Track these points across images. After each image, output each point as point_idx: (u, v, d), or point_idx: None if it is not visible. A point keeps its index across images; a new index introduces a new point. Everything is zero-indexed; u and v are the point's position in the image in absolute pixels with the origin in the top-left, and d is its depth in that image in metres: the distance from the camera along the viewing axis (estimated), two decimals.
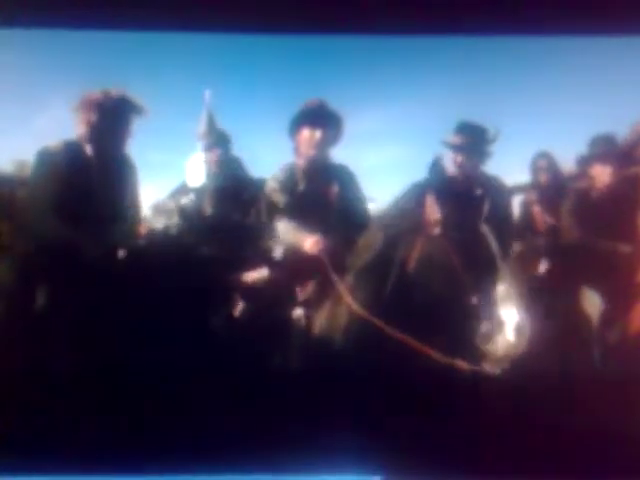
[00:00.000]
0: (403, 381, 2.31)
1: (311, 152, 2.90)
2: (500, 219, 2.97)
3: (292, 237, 2.79)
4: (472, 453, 2.34)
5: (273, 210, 2.89)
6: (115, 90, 2.80)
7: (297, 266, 2.71)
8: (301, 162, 2.94)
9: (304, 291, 2.68)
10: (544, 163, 3.30)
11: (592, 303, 2.82)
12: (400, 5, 2.58)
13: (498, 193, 3.00)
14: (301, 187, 2.90)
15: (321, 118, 2.86)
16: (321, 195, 2.91)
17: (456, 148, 2.94)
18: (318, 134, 2.86)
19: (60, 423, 2.33)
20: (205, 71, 3.32)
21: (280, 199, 2.88)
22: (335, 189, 2.92)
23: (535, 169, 3.34)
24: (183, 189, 3.40)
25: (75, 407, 2.35)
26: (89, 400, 2.37)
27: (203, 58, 3.21)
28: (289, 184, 2.90)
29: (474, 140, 2.92)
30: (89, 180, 2.79)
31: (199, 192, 3.29)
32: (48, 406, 2.36)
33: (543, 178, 3.31)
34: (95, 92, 2.79)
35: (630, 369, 2.60)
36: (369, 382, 2.33)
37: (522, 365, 2.40)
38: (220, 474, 2.34)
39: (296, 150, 2.95)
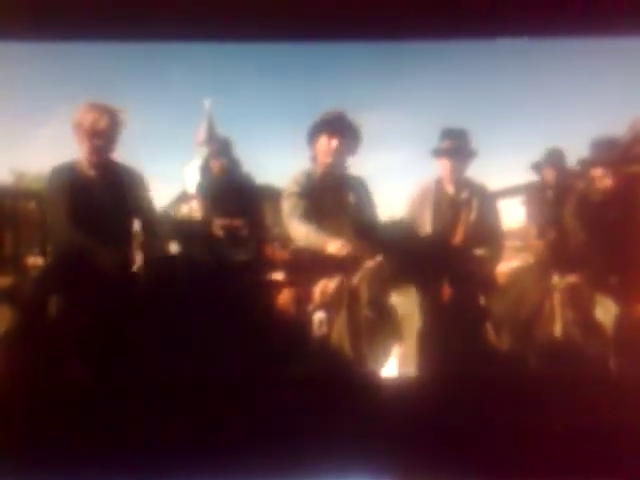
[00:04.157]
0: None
1: (328, 160, 2.91)
2: (488, 222, 3.05)
3: (316, 239, 2.79)
4: (476, 457, 2.34)
5: (293, 213, 2.89)
6: (98, 104, 2.81)
7: (319, 268, 2.73)
8: (318, 169, 2.95)
9: (325, 294, 2.68)
10: (552, 162, 3.32)
11: (606, 310, 2.83)
12: (399, 10, 2.60)
13: (485, 197, 3.07)
14: (317, 193, 2.92)
15: (339, 127, 2.88)
16: (336, 202, 2.92)
17: (444, 152, 3.02)
18: (335, 143, 2.87)
19: (73, 434, 2.32)
20: (204, 80, 3.34)
21: (299, 202, 2.89)
22: (350, 197, 2.94)
23: (542, 168, 3.35)
24: (184, 197, 3.41)
25: (90, 417, 2.34)
26: (104, 409, 2.36)
27: (203, 67, 3.23)
28: (307, 189, 2.91)
29: (459, 144, 3.01)
30: (93, 195, 2.81)
31: (202, 199, 3.30)
32: (63, 416, 2.35)
33: (549, 177, 3.32)
34: (80, 109, 2.80)
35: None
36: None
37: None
38: (227, 476, 2.33)
39: (314, 158, 2.97)
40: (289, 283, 2.77)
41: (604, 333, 2.73)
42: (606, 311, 2.77)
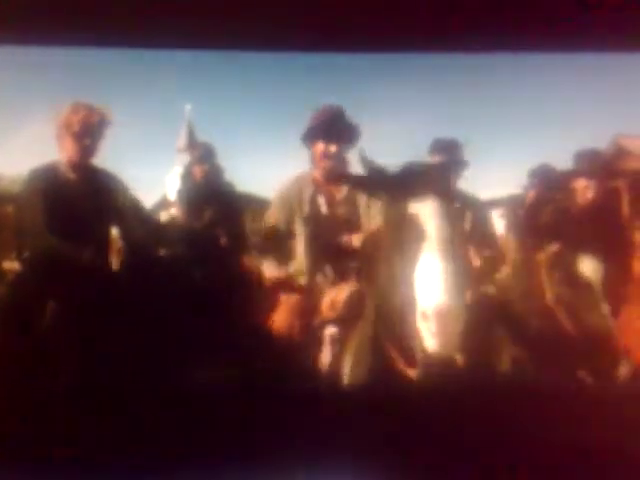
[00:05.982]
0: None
1: (327, 164, 2.85)
2: (482, 232, 3.05)
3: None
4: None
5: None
6: (86, 104, 2.80)
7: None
8: (317, 173, 2.91)
9: (336, 306, 2.45)
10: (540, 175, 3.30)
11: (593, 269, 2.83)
12: (390, 22, 2.59)
13: (477, 207, 3.08)
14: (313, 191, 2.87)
15: (336, 132, 2.82)
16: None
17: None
18: (333, 148, 2.82)
19: (63, 438, 2.28)
20: (186, 85, 3.32)
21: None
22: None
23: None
24: (163, 203, 3.39)
25: (79, 422, 2.30)
26: (92, 414, 2.32)
27: (183, 73, 3.21)
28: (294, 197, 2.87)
29: (448, 158, 3.00)
30: (72, 198, 2.80)
31: (183, 205, 3.27)
32: (52, 422, 2.31)
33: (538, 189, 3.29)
34: (66, 110, 2.78)
35: None
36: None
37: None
38: None
39: (312, 160, 2.91)
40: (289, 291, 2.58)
41: (593, 288, 2.75)
42: (591, 268, 2.80)
